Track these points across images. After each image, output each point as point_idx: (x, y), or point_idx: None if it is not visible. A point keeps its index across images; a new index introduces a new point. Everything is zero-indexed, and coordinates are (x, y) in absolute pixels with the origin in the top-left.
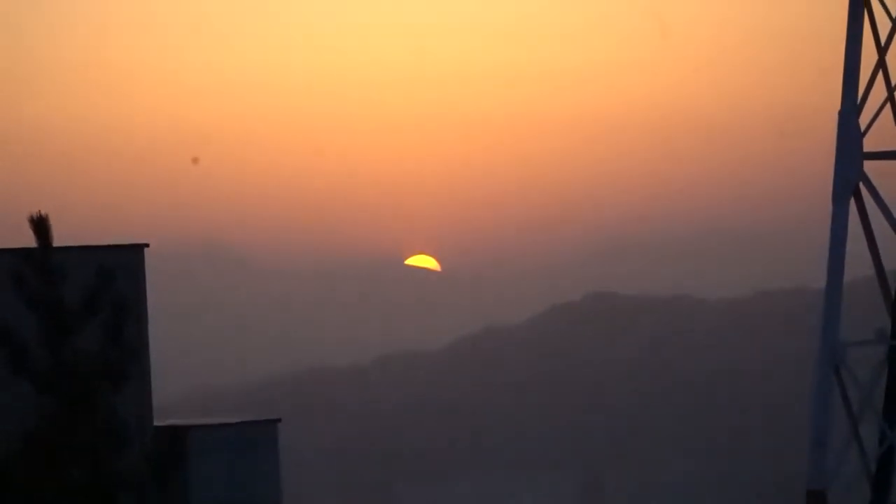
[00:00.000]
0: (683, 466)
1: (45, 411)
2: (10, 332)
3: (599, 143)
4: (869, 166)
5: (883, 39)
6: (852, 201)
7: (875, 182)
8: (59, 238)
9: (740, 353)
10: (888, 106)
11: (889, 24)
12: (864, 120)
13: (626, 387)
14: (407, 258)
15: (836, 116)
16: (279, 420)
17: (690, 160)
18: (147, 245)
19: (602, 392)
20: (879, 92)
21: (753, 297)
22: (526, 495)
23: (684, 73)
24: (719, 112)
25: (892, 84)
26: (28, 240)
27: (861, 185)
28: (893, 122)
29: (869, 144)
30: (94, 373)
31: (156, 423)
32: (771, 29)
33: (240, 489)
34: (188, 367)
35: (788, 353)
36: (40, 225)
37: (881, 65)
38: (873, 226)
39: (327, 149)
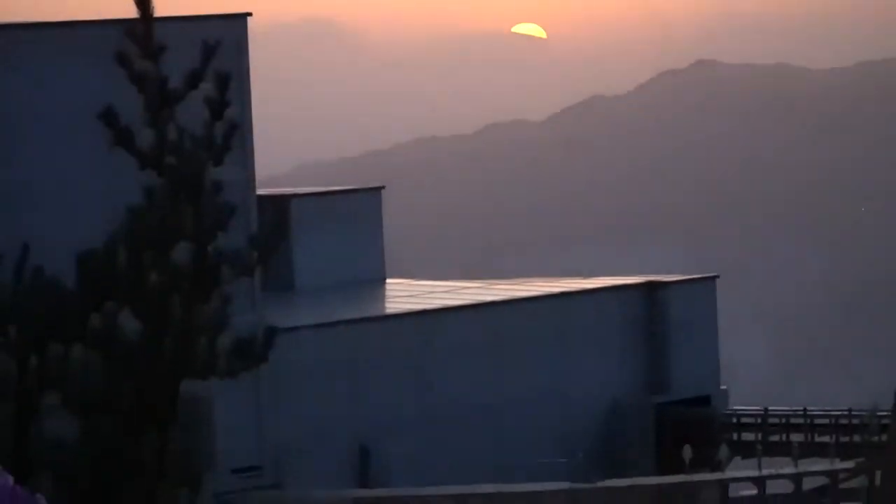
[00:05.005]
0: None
1: (148, 189)
2: (113, 110)
3: None
4: None
5: None
6: None
7: None
8: (160, 9)
9: (841, 121)
10: None
11: None
12: None
13: (729, 157)
14: (513, 26)
15: None
16: (382, 188)
17: None
18: (250, 14)
19: (703, 159)
20: None
21: (855, 66)
22: (633, 262)
23: None
24: None
25: None
26: (128, 12)
27: None
28: None
29: None
30: (198, 147)
31: (259, 192)
32: None
33: (343, 257)
34: (293, 142)
35: (891, 121)
36: None
37: None
38: None
39: None
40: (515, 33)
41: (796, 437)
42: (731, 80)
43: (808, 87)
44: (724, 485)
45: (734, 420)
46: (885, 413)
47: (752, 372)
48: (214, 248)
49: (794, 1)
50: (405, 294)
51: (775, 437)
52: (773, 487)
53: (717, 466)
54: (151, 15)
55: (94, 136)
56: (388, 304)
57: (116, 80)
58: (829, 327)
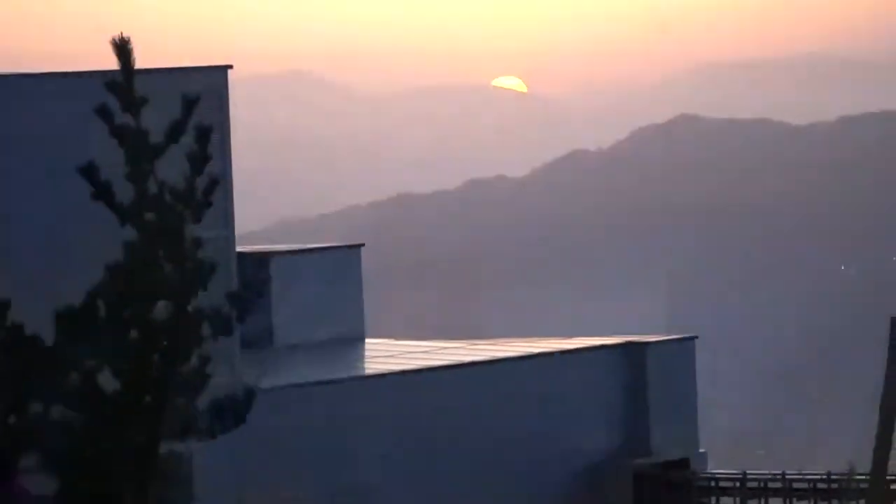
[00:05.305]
0: (771, 285)
1: (128, 244)
2: (94, 164)
3: None
4: None
5: None
6: None
7: None
8: (142, 62)
9: (822, 176)
10: None
11: None
12: None
13: (710, 207)
14: (493, 80)
15: None
16: (362, 245)
17: None
18: (230, 67)
19: (686, 212)
20: None
21: (837, 121)
22: (612, 307)
23: None
24: None
25: None
26: (110, 64)
27: None
28: None
29: None
30: (178, 202)
31: (239, 250)
32: None
33: (323, 314)
34: (271, 197)
35: (873, 178)
36: (123, 48)
37: None
38: None
39: None
40: (497, 87)
41: (774, 502)
42: (712, 135)
43: (789, 142)
44: None
45: (712, 483)
46: (862, 476)
47: (731, 429)
48: (194, 307)
49: (775, 57)
50: (385, 354)
51: (753, 502)
52: None
53: None
54: (132, 67)
55: (74, 189)
56: (367, 364)
57: (97, 130)
58: (810, 379)
